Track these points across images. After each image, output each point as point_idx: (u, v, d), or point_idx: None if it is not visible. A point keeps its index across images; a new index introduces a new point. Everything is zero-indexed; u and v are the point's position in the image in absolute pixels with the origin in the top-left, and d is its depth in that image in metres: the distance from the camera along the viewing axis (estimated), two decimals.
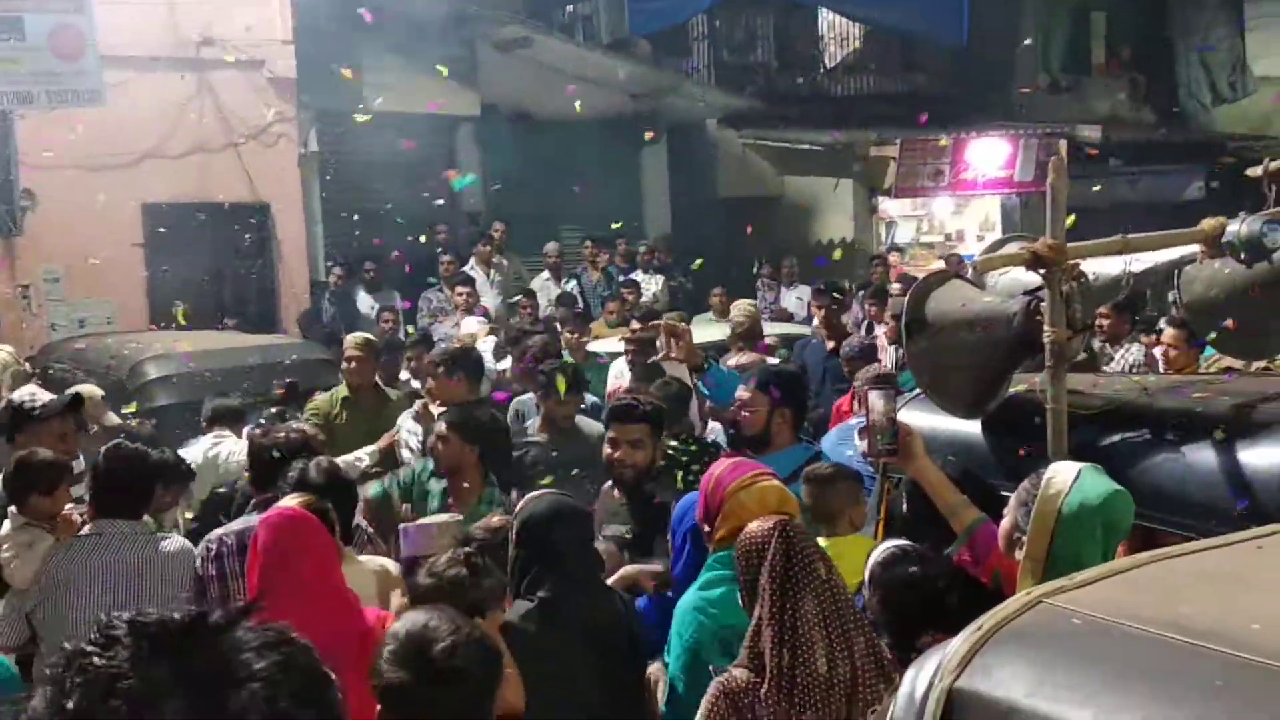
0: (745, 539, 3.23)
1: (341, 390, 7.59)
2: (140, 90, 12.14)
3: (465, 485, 5.51)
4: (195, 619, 1.34)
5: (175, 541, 4.87)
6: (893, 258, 16.59)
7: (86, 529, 4.78)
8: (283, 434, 5.19)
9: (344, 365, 7.67)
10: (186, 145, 12.84)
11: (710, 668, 3.29)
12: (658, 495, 4.89)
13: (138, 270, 12.72)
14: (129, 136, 12.26)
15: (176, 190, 12.74)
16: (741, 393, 5.23)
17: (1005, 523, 3.21)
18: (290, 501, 3.90)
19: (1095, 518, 3.03)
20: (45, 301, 12.34)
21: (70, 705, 1.26)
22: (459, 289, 11.73)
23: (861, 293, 12.41)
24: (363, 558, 4.58)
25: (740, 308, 9.58)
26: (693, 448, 6.33)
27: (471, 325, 9.90)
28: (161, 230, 12.70)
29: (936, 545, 3.63)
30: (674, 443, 6.45)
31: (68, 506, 5.03)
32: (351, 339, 7.85)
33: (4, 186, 12.18)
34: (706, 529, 3.89)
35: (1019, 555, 3.08)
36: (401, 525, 4.96)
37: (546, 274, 14.09)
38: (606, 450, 5.03)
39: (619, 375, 8.44)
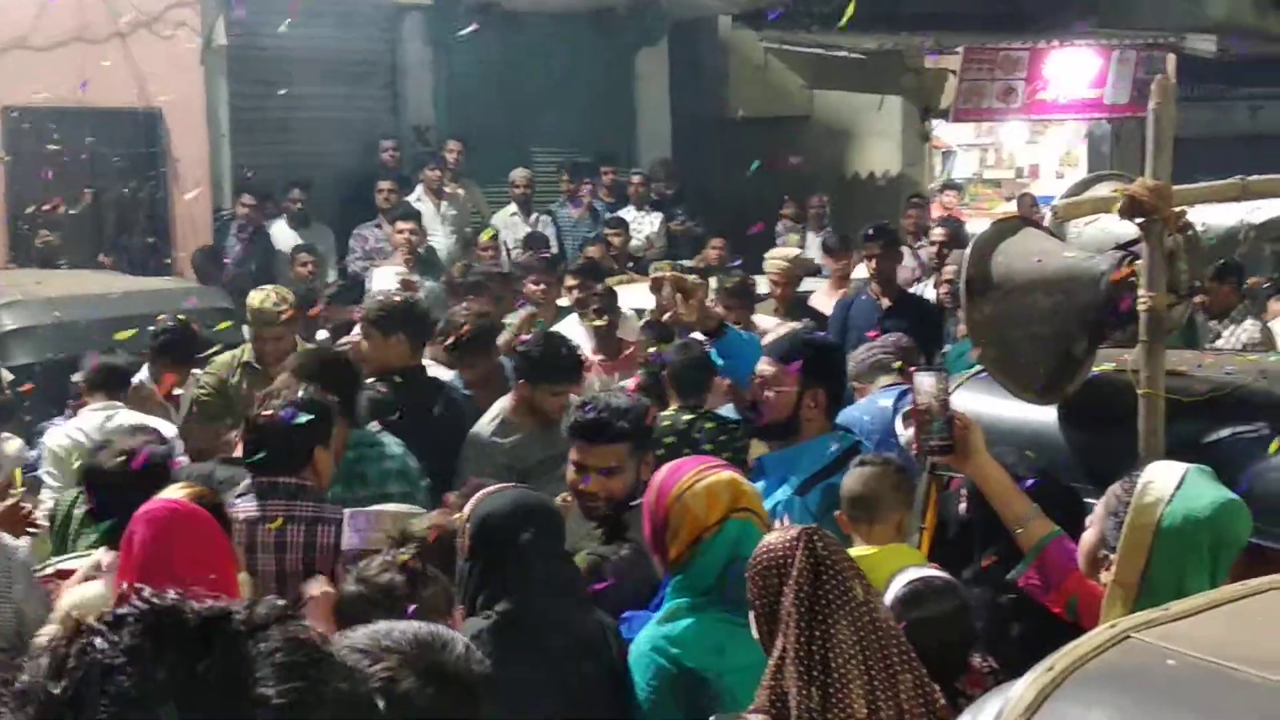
0: (760, 554, 3.20)
1: (245, 352, 7.36)
2: None
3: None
4: (216, 616, 1.35)
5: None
6: (947, 196, 16.62)
7: None
8: (285, 406, 4.97)
9: (257, 331, 7.38)
10: (59, 34, 12.71)
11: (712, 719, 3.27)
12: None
13: None
14: None
15: (45, 91, 12.62)
16: (764, 367, 5.10)
17: (1088, 537, 3.22)
18: (175, 492, 3.90)
19: (1202, 532, 3.05)
20: None
21: (57, 691, 1.30)
22: (400, 225, 11.61)
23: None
24: None
25: (778, 258, 9.57)
26: (709, 424, 6.31)
27: (387, 277, 9.73)
28: (25, 141, 12.65)
29: (1002, 563, 3.64)
30: (681, 415, 6.43)
31: None
32: (263, 299, 7.42)
33: None
34: (658, 553, 3.88)
35: (1105, 578, 3.09)
36: (348, 511, 4.93)
37: (513, 208, 14.04)
38: (570, 475, 4.75)
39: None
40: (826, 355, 5.31)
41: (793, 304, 9.53)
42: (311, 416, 4.81)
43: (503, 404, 6.44)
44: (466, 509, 3.91)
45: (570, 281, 9.03)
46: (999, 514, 3.69)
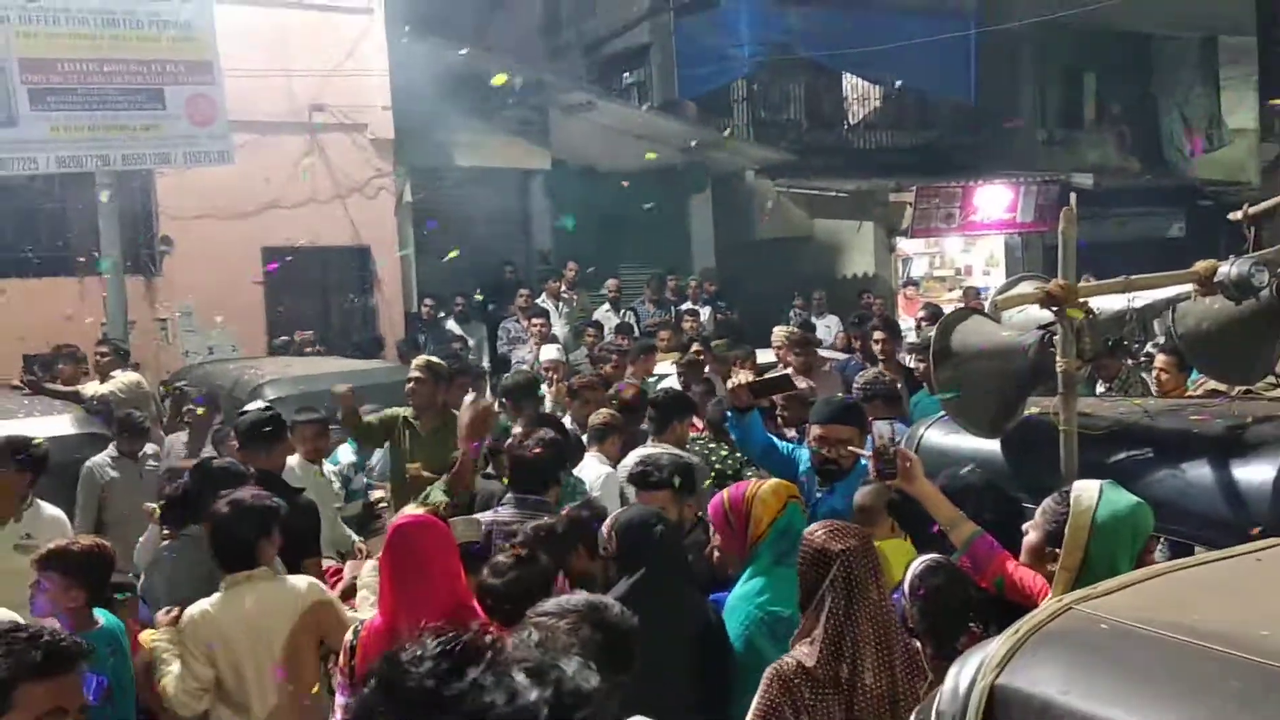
0: (813, 545, 3.16)
1: (406, 410, 6.86)
2: (262, 150, 12.34)
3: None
4: (479, 646, 1.31)
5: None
6: (909, 290, 16.56)
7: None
8: (539, 435, 4.85)
9: (406, 388, 6.89)
10: (300, 197, 13.00)
11: None
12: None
13: (258, 304, 12.88)
14: (252, 190, 12.46)
15: (292, 235, 12.89)
16: (840, 432, 4.79)
17: (1033, 537, 3.15)
18: (414, 509, 3.83)
19: (1124, 526, 3.00)
20: (180, 332, 12.52)
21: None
22: (534, 320, 11.75)
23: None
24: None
25: (781, 332, 9.44)
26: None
27: (550, 352, 9.87)
28: (279, 270, 12.88)
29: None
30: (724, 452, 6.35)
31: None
32: (415, 361, 7.10)
33: (147, 233, 12.42)
34: (735, 544, 3.84)
35: (1052, 567, 3.03)
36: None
37: (607, 306, 14.09)
38: None
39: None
40: (861, 410, 5.13)
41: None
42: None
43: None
44: (609, 521, 3.90)
45: (697, 347, 8.98)
46: (934, 518, 3.63)
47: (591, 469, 5.82)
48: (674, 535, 3.90)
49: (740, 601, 3.76)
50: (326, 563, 5.11)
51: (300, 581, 4.17)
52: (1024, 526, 3.22)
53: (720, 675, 3.65)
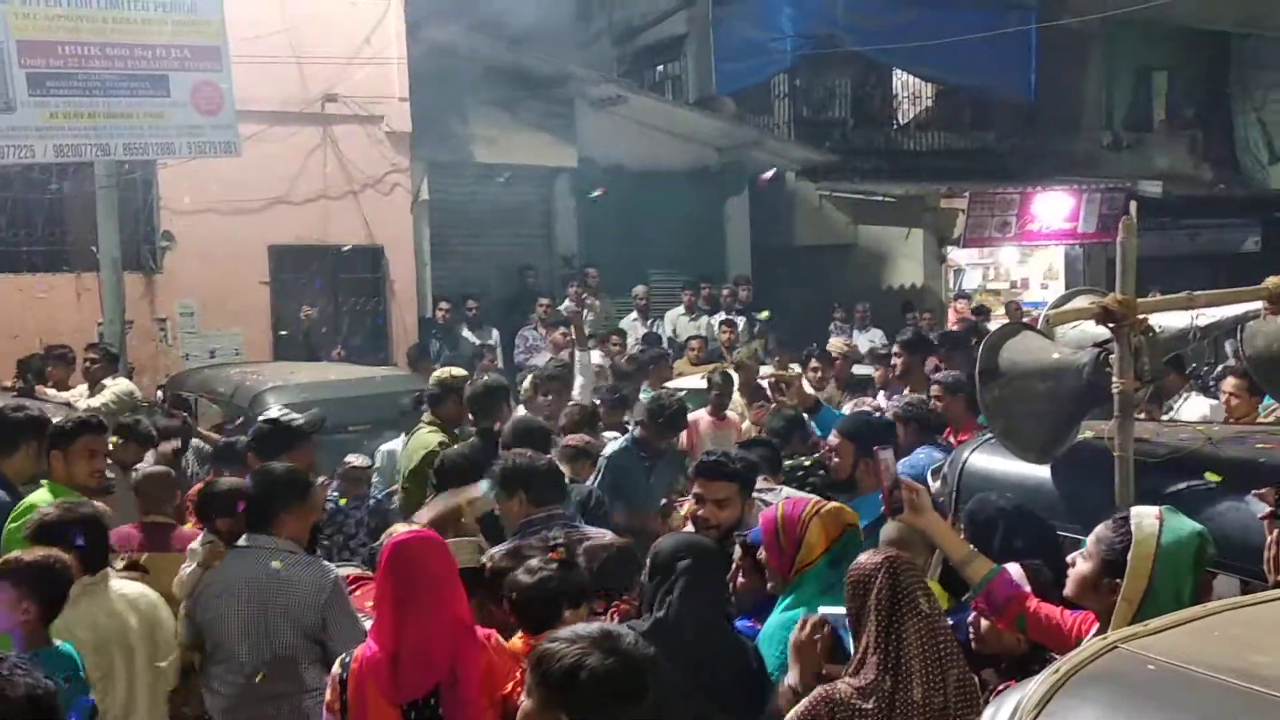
0: (855, 570, 3.17)
1: (433, 444, 6.61)
2: (270, 142, 12.43)
3: None
4: None
5: (307, 560, 4.54)
6: (960, 303, 16.48)
7: (241, 541, 4.60)
8: None
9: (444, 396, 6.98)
10: (310, 192, 13.10)
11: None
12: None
13: (264, 306, 12.98)
14: (259, 184, 12.55)
15: (300, 233, 13.01)
16: (831, 439, 5.09)
17: (1084, 568, 3.10)
18: (407, 526, 3.85)
19: (1189, 554, 2.98)
20: (180, 333, 12.64)
21: None
22: (561, 329, 11.79)
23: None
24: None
25: (836, 346, 9.52)
26: (807, 463, 6.28)
27: (596, 358, 9.86)
28: (284, 269, 12.99)
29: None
30: (789, 462, 6.39)
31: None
32: (447, 372, 7.27)
33: (147, 228, 12.54)
34: (782, 564, 3.81)
35: (1110, 599, 2.99)
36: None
37: (634, 314, 14.11)
38: (690, 505, 4.61)
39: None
40: (880, 430, 5.19)
41: (846, 381, 9.37)
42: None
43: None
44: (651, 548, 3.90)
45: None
46: (946, 555, 3.58)
47: None
48: (708, 568, 3.80)
49: (779, 630, 3.71)
50: (348, 570, 5.28)
51: (130, 586, 4.50)
52: (1071, 557, 3.19)
53: (758, 707, 3.62)
